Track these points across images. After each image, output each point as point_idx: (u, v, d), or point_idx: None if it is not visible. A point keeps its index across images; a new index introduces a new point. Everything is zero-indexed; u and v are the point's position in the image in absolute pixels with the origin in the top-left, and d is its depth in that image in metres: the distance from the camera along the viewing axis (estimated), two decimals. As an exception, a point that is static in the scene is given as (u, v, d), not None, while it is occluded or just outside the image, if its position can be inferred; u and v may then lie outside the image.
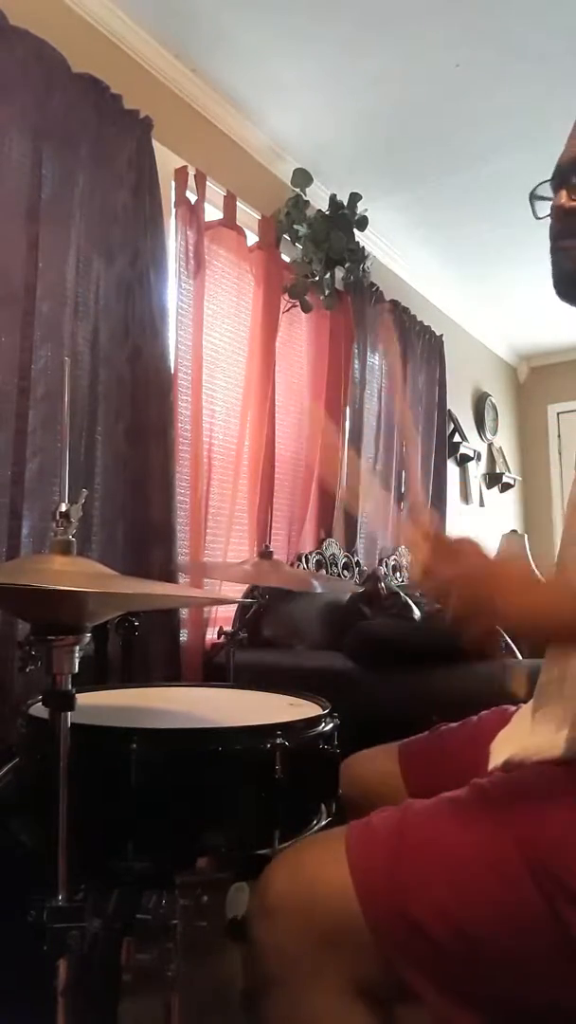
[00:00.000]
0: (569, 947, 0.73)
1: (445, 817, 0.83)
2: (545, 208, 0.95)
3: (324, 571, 2.89)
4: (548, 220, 0.97)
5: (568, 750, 0.86)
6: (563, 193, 0.93)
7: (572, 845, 0.76)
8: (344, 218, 3.05)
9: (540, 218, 0.95)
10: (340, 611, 2.50)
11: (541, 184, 0.94)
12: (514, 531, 4.63)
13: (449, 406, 4.15)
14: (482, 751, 1.00)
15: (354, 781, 1.12)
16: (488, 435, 4.92)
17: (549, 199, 0.95)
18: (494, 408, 5.00)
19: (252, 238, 2.76)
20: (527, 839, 0.77)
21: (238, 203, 2.66)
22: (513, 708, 1.09)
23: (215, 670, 2.22)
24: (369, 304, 3.36)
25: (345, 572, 3.03)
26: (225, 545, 2.52)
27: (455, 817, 0.82)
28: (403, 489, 3.68)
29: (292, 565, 2.74)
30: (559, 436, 5.48)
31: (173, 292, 2.34)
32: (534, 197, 0.95)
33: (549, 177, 0.95)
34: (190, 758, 0.94)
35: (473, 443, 4.60)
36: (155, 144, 2.24)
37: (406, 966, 0.75)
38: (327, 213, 3.06)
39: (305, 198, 2.96)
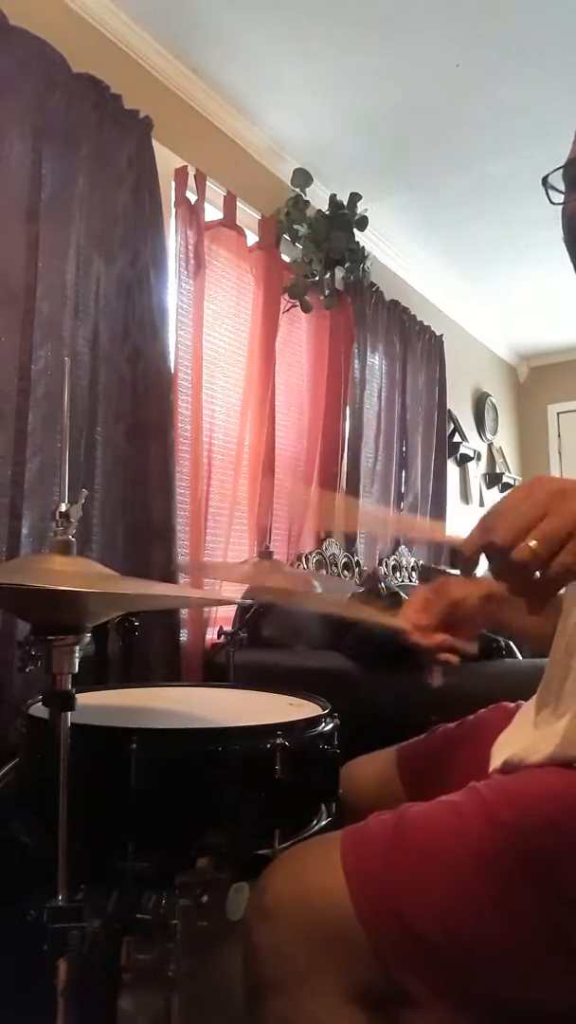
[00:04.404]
0: (563, 948, 0.73)
1: (440, 821, 0.83)
2: (558, 196, 0.94)
3: (324, 571, 2.89)
4: (550, 215, 0.96)
5: (564, 749, 0.86)
6: None
7: (567, 848, 0.76)
8: (344, 218, 3.05)
9: (556, 204, 0.94)
10: (340, 611, 2.50)
11: (554, 172, 0.94)
12: (514, 531, 4.62)
13: (449, 406, 4.15)
14: (481, 751, 0.99)
15: (353, 786, 1.12)
16: (488, 435, 4.92)
17: (561, 191, 0.94)
18: (494, 408, 5.00)
19: (252, 238, 2.76)
20: (522, 843, 0.77)
21: (238, 203, 2.66)
22: (512, 705, 1.09)
23: (215, 670, 2.22)
24: (369, 304, 3.36)
25: (345, 572, 3.03)
26: (225, 545, 2.52)
27: (450, 821, 0.82)
28: (403, 489, 3.69)
29: (292, 565, 2.74)
30: (559, 436, 5.48)
31: (173, 292, 2.34)
32: (547, 185, 0.94)
33: (563, 164, 0.94)
34: (190, 758, 0.94)
35: (473, 443, 4.60)
36: (155, 144, 2.24)
37: (401, 969, 0.75)
38: (327, 213, 3.06)
39: (305, 198, 2.96)
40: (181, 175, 2.43)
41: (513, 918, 0.74)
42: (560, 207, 0.94)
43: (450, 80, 2.56)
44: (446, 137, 2.88)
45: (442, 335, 4.06)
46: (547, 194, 0.94)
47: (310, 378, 3.14)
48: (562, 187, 0.94)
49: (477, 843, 0.79)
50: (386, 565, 3.39)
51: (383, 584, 2.63)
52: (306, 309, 2.93)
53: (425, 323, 3.92)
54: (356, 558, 3.13)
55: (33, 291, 1.84)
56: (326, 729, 1.05)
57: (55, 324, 1.88)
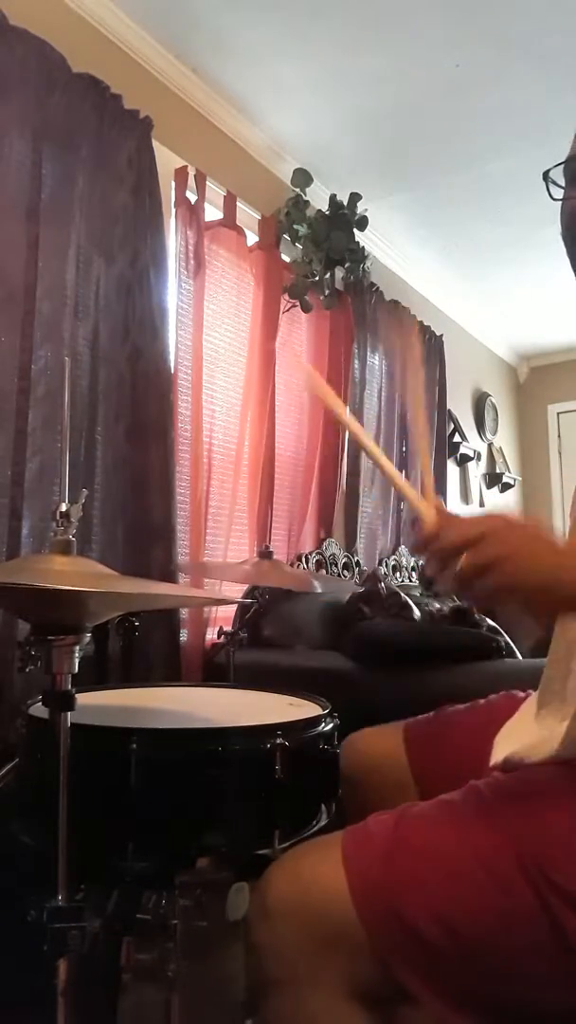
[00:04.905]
0: (563, 947, 0.73)
1: (440, 820, 0.83)
2: (558, 192, 0.94)
3: (324, 571, 2.89)
4: (550, 215, 0.96)
5: (566, 749, 0.86)
6: None
7: (566, 847, 0.76)
8: (344, 218, 3.05)
9: (556, 200, 0.95)
10: (340, 611, 2.51)
11: (555, 167, 0.94)
12: (514, 531, 4.62)
13: (449, 406, 4.15)
14: (487, 736, 1.00)
15: (357, 757, 1.12)
16: (488, 435, 4.92)
17: (561, 186, 0.94)
18: (494, 408, 5.00)
19: (252, 238, 2.76)
20: (521, 840, 0.77)
21: (238, 203, 2.66)
22: (522, 695, 1.09)
23: (215, 670, 2.22)
24: (369, 304, 3.36)
25: (345, 572, 3.03)
26: (225, 545, 2.52)
27: (450, 820, 0.82)
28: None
29: (292, 565, 2.74)
30: (559, 436, 5.48)
31: (173, 292, 2.34)
32: (548, 179, 0.94)
33: (564, 160, 0.94)
34: (190, 758, 0.94)
35: (473, 443, 4.60)
36: (155, 144, 2.24)
37: (402, 968, 0.76)
38: (327, 213, 3.06)
39: (305, 198, 2.96)
40: (181, 175, 2.43)
41: (513, 918, 0.75)
42: (559, 203, 0.94)
43: (450, 80, 2.55)
44: (446, 137, 2.88)
45: (442, 335, 4.06)
46: (547, 189, 0.94)
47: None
48: (563, 182, 0.94)
49: (477, 843, 0.79)
50: (386, 565, 3.39)
51: (383, 584, 2.63)
52: (306, 309, 2.93)
53: (425, 323, 3.92)
54: (356, 558, 3.13)
55: (33, 291, 1.84)
56: (326, 729, 1.06)
57: (55, 324, 1.88)
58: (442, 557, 0.73)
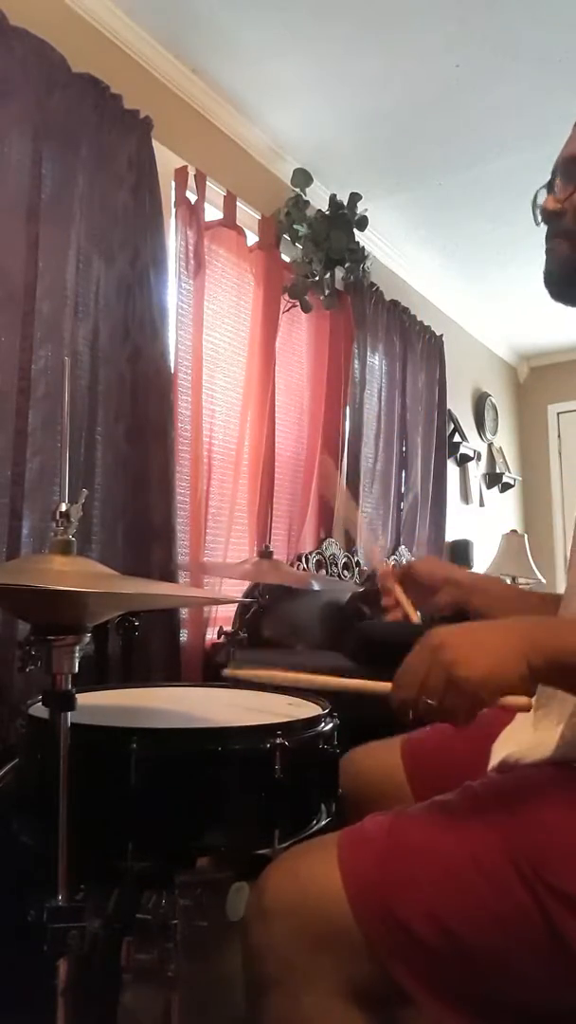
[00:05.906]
0: (558, 946, 0.73)
1: (435, 820, 0.83)
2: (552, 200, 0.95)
3: (324, 571, 2.89)
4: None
5: (561, 750, 0.86)
6: (548, 196, 0.94)
7: (560, 845, 0.76)
8: (344, 218, 3.05)
9: (540, 224, 0.95)
10: (340, 611, 2.51)
11: (540, 190, 0.95)
12: (514, 531, 4.63)
13: (449, 406, 4.15)
14: (484, 748, 1.00)
15: (356, 776, 1.12)
16: (488, 435, 4.92)
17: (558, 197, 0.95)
18: (494, 408, 5.00)
19: (252, 238, 2.76)
20: (515, 840, 0.77)
21: (238, 203, 2.66)
22: None
23: (215, 670, 2.22)
24: (369, 304, 3.36)
25: (345, 572, 3.03)
26: (225, 545, 2.52)
27: (445, 820, 0.83)
28: (403, 489, 3.69)
29: (292, 565, 2.74)
30: (559, 436, 5.48)
31: (173, 292, 2.34)
32: (535, 205, 0.95)
33: (546, 182, 0.95)
34: (190, 758, 0.94)
35: (473, 443, 4.60)
36: (155, 144, 2.24)
37: (398, 968, 0.76)
38: (327, 213, 3.06)
39: (305, 198, 2.96)
40: (181, 175, 2.43)
41: (507, 917, 0.75)
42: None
43: (450, 80, 2.55)
44: (446, 137, 2.88)
45: (442, 335, 4.06)
46: (534, 215, 0.95)
47: (310, 378, 3.14)
48: (556, 190, 0.94)
49: (471, 843, 0.79)
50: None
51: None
52: (306, 309, 2.93)
53: (425, 323, 3.92)
54: (356, 558, 3.13)
55: (33, 291, 1.84)
56: (326, 729, 1.06)
57: (55, 324, 1.88)
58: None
